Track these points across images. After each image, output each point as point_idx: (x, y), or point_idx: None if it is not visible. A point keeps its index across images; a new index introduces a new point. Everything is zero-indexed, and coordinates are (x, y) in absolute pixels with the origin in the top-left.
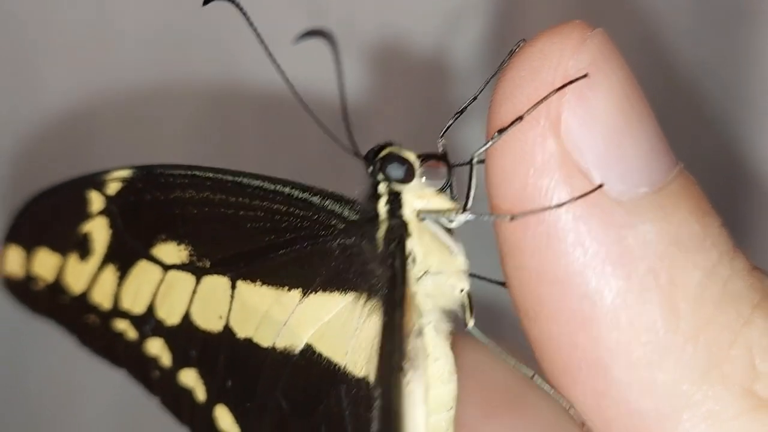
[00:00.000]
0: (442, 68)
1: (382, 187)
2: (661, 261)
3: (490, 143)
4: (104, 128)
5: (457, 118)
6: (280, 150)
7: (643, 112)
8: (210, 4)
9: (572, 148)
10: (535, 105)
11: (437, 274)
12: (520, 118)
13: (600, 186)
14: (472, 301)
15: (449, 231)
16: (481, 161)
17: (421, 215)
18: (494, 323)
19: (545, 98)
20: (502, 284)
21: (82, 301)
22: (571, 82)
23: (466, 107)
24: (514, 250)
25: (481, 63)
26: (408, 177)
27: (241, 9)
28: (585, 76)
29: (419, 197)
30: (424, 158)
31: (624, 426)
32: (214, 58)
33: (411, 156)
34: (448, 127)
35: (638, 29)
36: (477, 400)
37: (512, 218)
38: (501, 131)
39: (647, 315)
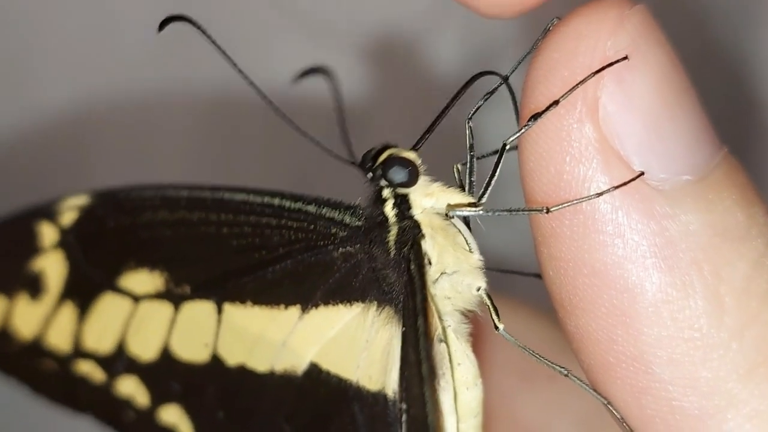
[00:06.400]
0: (434, 66)
1: (386, 192)
2: (704, 253)
3: (524, 128)
4: (100, 135)
5: (487, 99)
6: (281, 156)
7: (685, 95)
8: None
9: (611, 134)
10: (571, 89)
11: (453, 274)
12: (556, 102)
13: (641, 174)
14: (493, 300)
15: (466, 225)
16: (514, 148)
17: (436, 213)
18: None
19: (582, 82)
20: (537, 276)
21: (35, 346)
22: (609, 64)
23: (497, 88)
24: (549, 239)
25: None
26: (412, 180)
27: (201, 30)
28: (624, 58)
29: (427, 195)
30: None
31: (665, 424)
32: (213, 64)
33: (412, 156)
34: (478, 108)
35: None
36: (514, 368)
37: (548, 211)
38: (536, 116)
39: (690, 310)
